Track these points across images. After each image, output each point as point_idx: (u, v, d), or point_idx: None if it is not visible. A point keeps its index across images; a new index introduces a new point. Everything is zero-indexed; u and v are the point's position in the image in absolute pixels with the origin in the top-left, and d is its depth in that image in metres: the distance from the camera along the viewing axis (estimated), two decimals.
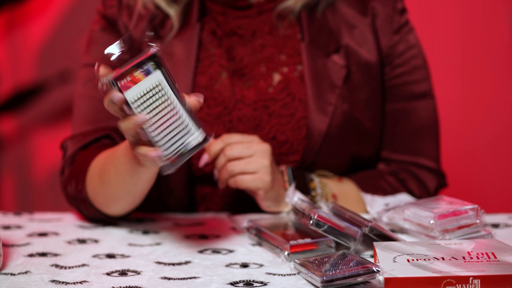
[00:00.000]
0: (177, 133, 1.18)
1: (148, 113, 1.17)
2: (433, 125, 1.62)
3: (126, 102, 1.16)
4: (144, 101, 1.17)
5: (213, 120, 1.52)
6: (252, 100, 1.53)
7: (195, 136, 1.19)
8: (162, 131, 1.18)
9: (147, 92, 1.17)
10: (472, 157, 2.55)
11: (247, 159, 1.42)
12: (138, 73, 1.16)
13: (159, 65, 1.17)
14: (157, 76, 1.17)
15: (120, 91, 1.16)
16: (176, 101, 1.17)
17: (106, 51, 1.17)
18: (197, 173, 1.54)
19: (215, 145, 1.44)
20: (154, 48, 1.16)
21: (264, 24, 1.57)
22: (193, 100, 1.19)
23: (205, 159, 1.46)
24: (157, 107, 1.17)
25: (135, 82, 1.16)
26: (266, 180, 1.42)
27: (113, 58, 1.17)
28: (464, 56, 2.52)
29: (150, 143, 1.18)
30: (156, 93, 1.17)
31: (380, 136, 1.60)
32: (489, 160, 2.55)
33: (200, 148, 1.19)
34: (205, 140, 1.19)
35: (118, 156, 1.34)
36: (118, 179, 1.36)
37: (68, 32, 2.74)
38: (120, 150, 1.33)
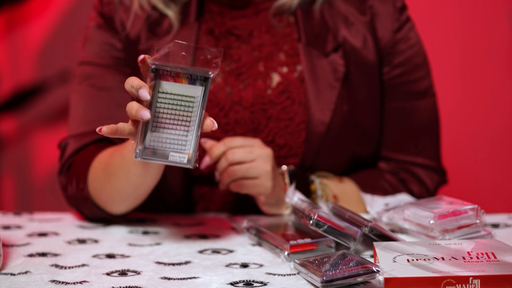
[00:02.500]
0: (172, 143, 1.19)
1: (164, 109, 1.18)
2: (434, 123, 1.61)
3: (153, 90, 1.17)
4: (170, 99, 1.18)
5: None
6: (250, 103, 1.53)
7: (182, 156, 1.20)
8: (161, 129, 1.19)
9: (179, 95, 1.18)
10: (472, 157, 2.55)
11: (248, 164, 1.42)
12: (183, 76, 1.18)
13: (205, 84, 1.18)
14: (197, 91, 1.19)
15: (157, 78, 1.17)
16: (194, 120, 1.19)
17: (171, 45, 1.18)
18: (194, 173, 1.54)
19: (217, 148, 1.44)
20: (212, 71, 1.18)
21: (261, 24, 1.56)
22: (208, 121, 1.20)
23: (206, 162, 1.46)
24: (176, 111, 1.18)
25: (175, 80, 1.18)
26: (267, 186, 1.42)
27: (164, 51, 1.18)
28: (464, 56, 2.52)
29: (144, 130, 1.18)
30: (185, 102, 1.18)
31: (379, 135, 1.60)
32: (489, 160, 2.55)
33: (177, 165, 1.20)
34: (187, 163, 1.19)
35: (128, 143, 1.35)
36: (123, 169, 1.36)
37: (68, 32, 2.74)
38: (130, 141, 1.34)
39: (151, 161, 1.20)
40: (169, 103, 1.18)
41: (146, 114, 1.16)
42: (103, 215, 1.46)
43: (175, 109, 1.18)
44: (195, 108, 1.19)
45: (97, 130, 1.20)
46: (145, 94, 1.16)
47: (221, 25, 1.56)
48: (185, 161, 1.20)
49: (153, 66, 1.17)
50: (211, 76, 1.18)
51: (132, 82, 1.18)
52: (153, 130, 1.19)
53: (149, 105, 1.18)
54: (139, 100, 1.18)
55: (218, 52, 1.19)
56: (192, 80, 1.18)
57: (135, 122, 1.20)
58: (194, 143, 1.19)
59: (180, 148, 1.19)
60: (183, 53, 1.18)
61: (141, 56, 1.18)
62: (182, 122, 1.19)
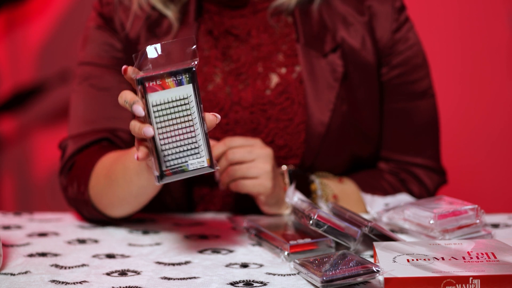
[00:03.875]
0: (185, 150, 1.17)
1: (164, 121, 1.16)
2: (433, 124, 1.61)
3: (146, 105, 1.15)
4: (165, 109, 1.16)
5: None
6: (249, 103, 1.53)
7: (201, 160, 1.17)
8: (171, 143, 1.17)
9: (172, 102, 1.16)
10: (472, 157, 2.55)
11: (249, 163, 1.42)
12: (169, 80, 1.15)
13: (192, 80, 1.16)
14: (187, 90, 1.16)
15: (144, 92, 1.15)
16: (196, 120, 1.17)
17: (146, 49, 1.16)
18: None
19: (217, 148, 1.44)
20: (192, 62, 1.16)
21: (260, 23, 1.56)
22: (211, 116, 1.18)
23: None
24: (175, 118, 1.16)
25: (163, 87, 1.15)
26: (267, 186, 1.42)
27: (149, 56, 1.16)
28: (464, 56, 2.52)
29: (155, 149, 1.17)
30: (180, 105, 1.16)
31: (379, 136, 1.60)
32: (489, 160, 2.55)
33: (201, 173, 1.18)
34: (209, 167, 1.18)
35: (131, 154, 1.33)
36: (125, 179, 1.35)
37: (68, 32, 2.74)
38: (134, 149, 1.33)
39: (175, 179, 1.18)
40: (166, 114, 1.16)
41: (149, 130, 1.14)
42: (103, 218, 1.46)
43: (174, 117, 1.16)
44: (193, 109, 1.16)
45: (135, 158, 1.18)
46: (139, 110, 1.14)
47: (219, 25, 1.56)
48: (205, 164, 1.17)
49: (137, 78, 1.14)
50: (194, 67, 1.15)
51: (126, 97, 1.17)
52: (163, 148, 1.16)
53: (148, 121, 1.16)
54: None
55: (191, 40, 1.18)
56: (178, 81, 1.16)
57: (144, 140, 1.19)
58: (205, 143, 1.17)
59: (195, 154, 1.17)
60: (160, 54, 1.17)
61: (124, 67, 1.17)
62: (186, 128, 1.17)
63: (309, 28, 1.55)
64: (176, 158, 1.17)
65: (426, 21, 2.24)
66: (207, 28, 1.56)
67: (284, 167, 1.50)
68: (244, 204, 1.53)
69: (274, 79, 1.54)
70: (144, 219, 1.51)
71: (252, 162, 1.42)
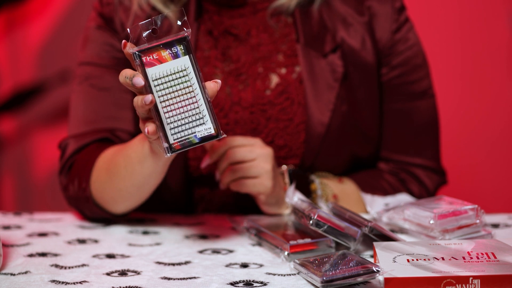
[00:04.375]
0: (190, 121, 1.18)
1: (166, 94, 1.17)
2: (433, 124, 1.62)
3: (146, 78, 1.17)
4: (165, 82, 1.17)
5: None
6: (249, 103, 1.53)
7: (207, 127, 1.18)
8: (175, 115, 1.18)
9: (171, 74, 1.17)
10: (472, 157, 2.55)
11: (249, 163, 1.42)
12: (166, 54, 1.17)
13: (188, 50, 1.17)
14: (184, 61, 1.17)
15: (143, 66, 1.16)
16: (198, 90, 1.18)
17: (139, 25, 1.18)
18: (194, 174, 1.54)
19: (217, 147, 1.44)
20: (185, 32, 1.17)
21: (259, 23, 1.56)
22: (212, 84, 1.19)
23: (207, 161, 1.46)
24: (176, 91, 1.17)
25: (160, 61, 1.17)
26: (267, 185, 1.42)
27: (144, 35, 1.18)
28: (464, 56, 2.52)
29: (160, 123, 1.18)
30: (179, 77, 1.17)
31: (379, 136, 1.60)
32: (489, 160, 2.55)
33: (208, 141, 1.19)
34: (216, 135, 1.19)
35: (133, 144, 1.34)
36: (128, 169, 1.36)
37: (68, 32, 2.74)
38: (136, 138, 1.34)
39: (183, 151, 1.19)
40: (167, 87, 1.17)
41: (147, 98, 1.15)
42: (104, 215, 1.46)
43: (175, 90, 1.17)
44: (192, 79, 1.17)
45: (146, 132, 1.18)
46: (139, 80, 1.16)
47: (219, 24, 1.56)
48: (212, 131, 1.18)
49: (136, 52, 1.16)
50: (187, 36, 1.17)
51: (126, 73, 1.18)
52: (168, 121, 1.18)
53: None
54: (140, 93, 1.18)
55: (180, 13, 1.19)
56: (174, 54, 1.17)
57: (148, 116, 1.20)
58: (210, 112, 1.18)
59: (201, 125, 1.18)
60: (154, 27, 1.18)
61: (123, 41, 1.18)
62: (188, 99, 1.18)
63: (309, 29, 1.55)
64: (183, 130, 1.18)
65: (426, 21, 2.24)
66: (207, 28, 1.56)
67: (284, 167, 1.50)
68: (244, 204, 1.53)
69: (274, 79, 1.54)
70: (144, 219, 1.51)
71: (253, 162, 1.42)
